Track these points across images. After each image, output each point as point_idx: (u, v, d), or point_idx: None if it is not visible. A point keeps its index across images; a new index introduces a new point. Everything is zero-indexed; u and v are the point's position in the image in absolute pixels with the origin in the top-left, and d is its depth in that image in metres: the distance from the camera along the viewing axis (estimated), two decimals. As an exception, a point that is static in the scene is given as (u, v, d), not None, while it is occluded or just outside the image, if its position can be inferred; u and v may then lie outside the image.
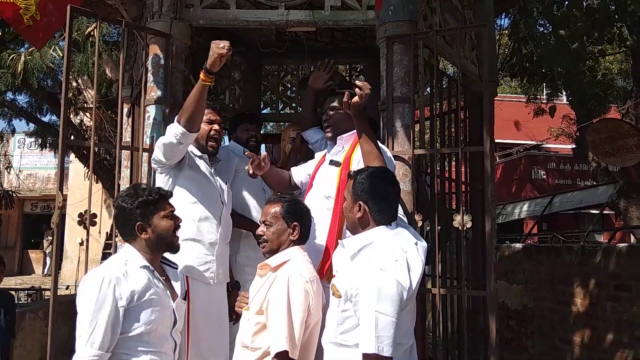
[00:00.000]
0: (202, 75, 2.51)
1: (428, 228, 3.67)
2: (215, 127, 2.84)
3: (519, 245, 7.01)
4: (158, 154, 2.62)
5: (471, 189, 3.96)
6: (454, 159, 3.70)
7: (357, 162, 2.51)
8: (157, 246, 2.12)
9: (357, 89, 2.33)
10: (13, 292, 6.77)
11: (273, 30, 4.20)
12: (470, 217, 2.85)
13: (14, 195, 10.16)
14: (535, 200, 11.35)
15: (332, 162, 2.65)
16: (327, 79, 3.30)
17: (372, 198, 2.02)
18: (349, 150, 2.60)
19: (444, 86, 3.97)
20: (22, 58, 5.90)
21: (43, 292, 9.14)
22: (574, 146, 9.26)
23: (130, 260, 2.05)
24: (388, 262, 1.87)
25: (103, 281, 1.94)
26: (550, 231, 10.39)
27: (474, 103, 3.98)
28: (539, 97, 9.34)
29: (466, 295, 3.54)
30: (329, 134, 2.72)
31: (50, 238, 16.27)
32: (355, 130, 2.59)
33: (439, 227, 3.25)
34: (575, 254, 5.66)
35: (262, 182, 3.33)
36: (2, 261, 4.06)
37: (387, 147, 2.84)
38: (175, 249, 2.18)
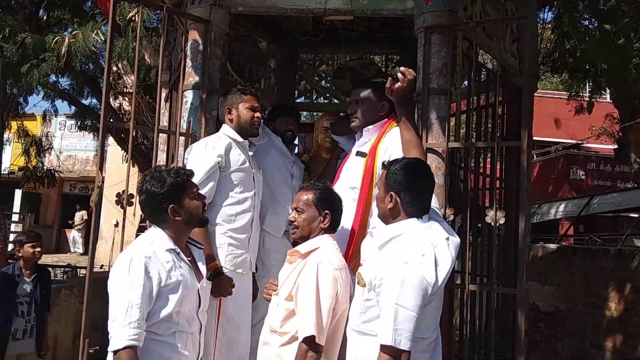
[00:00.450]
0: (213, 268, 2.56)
1: (461, 223, 3.63)
2: (258, 114, 2.91)
3: (553, 246, 6.86)
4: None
5: (506, 185, 3.90)
6: (489, 154, 3.64)
7: (384, 152, 2.51)
8: (189, 224, 2.17)
9: (399, 74, 2.30)
10: (50, 269, 7.04)
11: (310, 18, 4.20)
12: (504, 213, 2.81)
13: (56, 175, 10.48)
14: (573, 201, 11.05)
15: (358, 154, 2.66)
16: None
17: (404, 189, 2.00)
18: (375, 141, 2.60)
19: (482, 79, 3.90)
20: (66, 41, 6.06)
21: (78, 270, 9.46)
22: (615, 146, 8.97)
23: (156, 242, 2.07)
24: (415, 255, 1.86)
25: (132, 261, 1.96)
26: (587, 233, 10.11)
27: (513, 97, 3.91)
28: (581, 94, 9.05)
29: (496, 293, 3.51)
30: (354, 124, 2.73)
31: (81, 214, 16.72)
32: (382, 121, 2.59)
33: (471, 223, 3.22)
34: (612, 258, 5.51)
35: (292, 167, 3.37)
36: (39, 238, 4.23)
37: (422, 139, 2.82)
38: (204, 222, 2.26)
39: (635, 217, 9.41)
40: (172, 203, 2.11)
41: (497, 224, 2.84)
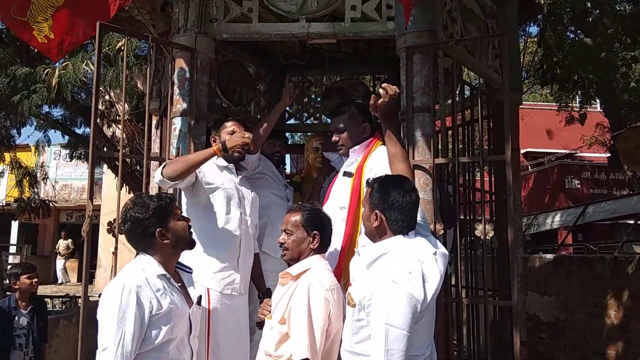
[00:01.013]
0: (216, 147, 2.70)
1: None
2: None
3: (550, 256, 6.87)
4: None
5: (498, 198, 3.94)
6: (485, 168, 3.70)
7: (369, 171, 2.55)
8: (177, 247, 2.18)
9: (381, 91, 2.34)
10: (48, 300, 7.00)
11: (296, 42, 4.28)
12: (492, 226, 2.84)
13: (51, 204, 10.48)
14: (568, 210, 11.09)
15: (345, 174, 2.70)
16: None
17: (388, 207, 2.01)
18: (361, 161, 2.65)
19: (467, 95, 3.97)
20: (57, 72, 6.14)
21: (77, 299, 9.40)
22: (609, 155, 9.05)
23: (147, 269, 2.08)
24: (402, 273, 1.87)
25: (124, 290, 1.95)
26: (585, 242, 10.13)
27: (498, 112, 3.96)
28: (570, 105, 9.16)
29: (492, 306, 3.52)
30: (341, 151, 2.80)
31: (66, 243, 16.48)
32: (367, 141, 2.64)
33: (462, 236, 3.26)
34: (608, 265, 5.52)
35: (286, 190, 3.42)
36: (34, 269, 4.23)
37: (408, 156, 2.86)
38: (193, 244, 2.26)
39: (631, 224, 9.43)
40: (159, 227, 2.12)
41: (487, 237, 2.86)
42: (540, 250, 9.04)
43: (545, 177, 14.89)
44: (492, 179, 3.95)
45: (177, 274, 2.23)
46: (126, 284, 1.97)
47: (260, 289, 3.00)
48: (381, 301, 1.84)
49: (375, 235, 2.06)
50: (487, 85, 3.97)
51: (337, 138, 2.77)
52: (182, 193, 2.88)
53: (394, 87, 2.35)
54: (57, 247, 16.49)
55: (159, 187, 2.95)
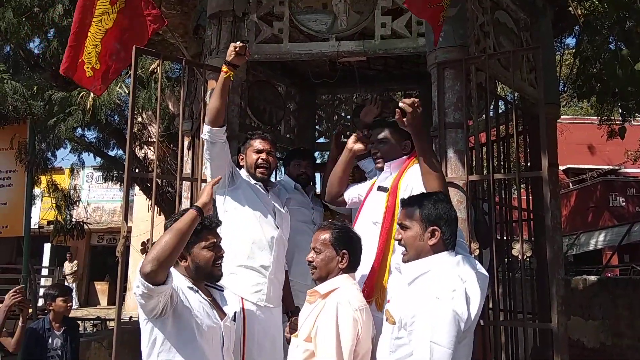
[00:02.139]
0: (223, 67, 2.76)
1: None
2: (263, 155, 2.98)
3: (593, 278, 6.68)
4: (206, 167, 2.86)
5: (536, 217, 3.89)
6: (522, 186, 3.67)
7: (405, 188, 2.56)
8: (196, 275, 2.22)
9: (401, 104, 2.36)
10: (79, 322, 7.16)
11: (326, 61, 4.37)
12: (530, 245, 2.81)
13: (85, 226, 10.78)
14: (613, 230, 10.77)
15: (380, 188, 2.71)
16: (378, 114, 3.40)
17: (445, 223, 2.05)
18: (397, 176, 2.66)
19: (502, 110, 3.96)
20: (91, 95, 6.39)
21: (107, 322, 9.60)
22: (655, 170, 8.78)
23: (175, 280, 2.14)
24: (446, 291, 1.89)
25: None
26: (632, 263, 9.80)
27: (535, 126, 3.94)
28: (612, 118, 8.93)
29: (532, 330, 3.45)
30: (379, 165, 2.80)
31: (71, 265, 16.59)
32: (404, 158, 2.66)
33: (499, 257, 3.22)
34: (657, 287, 5.34)
35: (312, 214, 3.45)
36: (71, 292, 4.36)
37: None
38: (215, 278, 2.26)
39: (682, 244, 9.10)
40: None
41: (525, 257, 2.83)
42: (584, 272, 8.79)
43: (587, 195, 14.51)
44: (530, 197, 3.91)
45: (206, 292, 2.29)
46: None
47: (289, 307, 3.04)
48: (425, 318, 1.86)
49: (421, 253, 2.05)
50: (522, 100, 3.96)
51: (377, 151, 2.79)
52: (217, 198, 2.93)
53: (414, 99, 2.38)
54: (63, 270, 16.42)
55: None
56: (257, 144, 2.99)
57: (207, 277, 2.25)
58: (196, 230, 2.17)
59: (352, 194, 2.97)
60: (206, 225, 2.24)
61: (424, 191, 2.40)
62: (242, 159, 3.05)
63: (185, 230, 2.07)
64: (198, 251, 2.21)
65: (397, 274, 2.17)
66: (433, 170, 2.37)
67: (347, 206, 3.01)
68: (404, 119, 2.37)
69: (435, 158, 2.46)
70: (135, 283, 2.01)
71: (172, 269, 2.17)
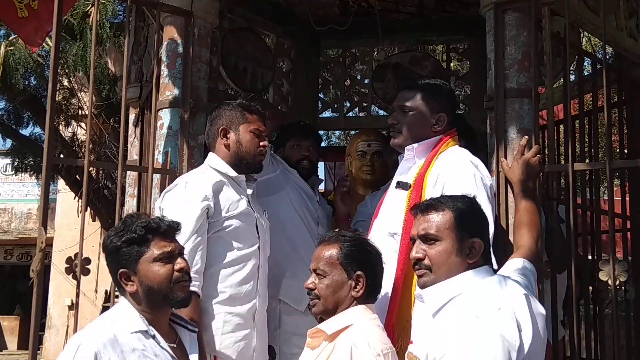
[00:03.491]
0: None
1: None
2: (265, 142, 3.03)
3: None
4: None
5: (635, 225, 3.90)
6: (615, 181, 3.68)
7: (434, 183, 2.58)
8: (150, 302, 2.21)
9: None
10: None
11: (335, 0, 4.37)
12: (625, 266, 2.82)
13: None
14: None
15: (399, 185, 2.74)
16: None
17: (485, 232, 2.17)
18: (423, 167, 2.68)
19: (588, 73, 3.97)
20: (2, 50, 6.37)
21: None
22: None
23: (122, 321, 2.16)
24: (488, 308, 1.94)
25: (78, 351, 2.03)
26: None
27: (635, 96, 3.95)
28: None
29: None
30: (396, 140, 2.81)
31: None
32: (435, 139, 2.71)
33: (581, 283, 3.23)
34: None
35: (317, 212, 3.48)
36: None
37: (498, 163, 2.89)
38: (176, 303, 2.26)
39: None
40: (122, 267, 2.19)
41: (617, 283, 2.84)
42: None
43: None
44: (627, 197, 3.91)
45: (172, 331, 2.30)
46: (82, 343, 2.06)
47: None
48: (461, 345, 1.89)
49: (451, 273, 2.11)
50: (617, 58, 3.95)
51: (395, 121, 2.81)
52: None
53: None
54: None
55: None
56: (258, 122, 3.02)
57: (166, 302, 2.25)
58: (139, 237, 2.18)
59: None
60: (153, 229, 2.22)
61: (460, 186, 2.47)
62: (224, 136, 2.99)
63: None
64: (146, 266, 2.19)
65: (418, 304, 2.20)
66: (534, 224, 2.59)
67: None
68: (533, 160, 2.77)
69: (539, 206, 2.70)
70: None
71: (125, 306, 2.20)
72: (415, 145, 2.75)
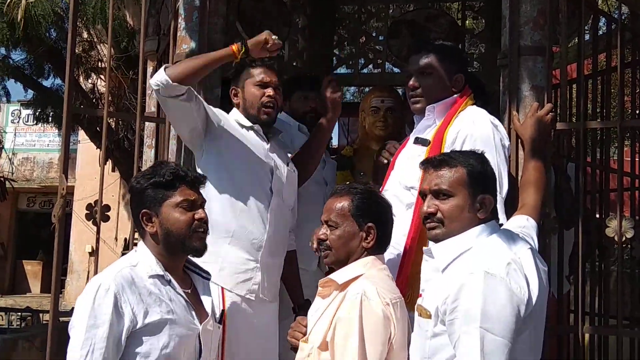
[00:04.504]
0: (235, 47, 2.79)
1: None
2: (270, 91, 2.99)
3: None
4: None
5: (643, 183, 3.90)
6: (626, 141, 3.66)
7: (453, 140, 2.58)
8: (167, 246, 2.24)
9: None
10: (2, 314, 7.37)
11: (351, -46, 4.31)
12: (632, 222, 2.81)
13: (7, 184, 10.92)
14: None
15: (417, 141, 2.72)
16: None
17: (493, 188, 2.19)
18: (442, 124, 2.67)
19: (603, 32, 3.91)
20: (23, 2, 6.30)
21: (41, 315, 9.86)
22: None
23: (140, 264, 2.19)
24: (498, 263, 1.96)
25: (99, 289, 2.06)
26: None
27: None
28: None
29: (628, 340, 3.49)
30: (418, 105, 2.79)
31: None
32: (453, 98, 2.70)
33: (588, 239, 3.23)
34: None
35: (324, 168, 3.46)
36: None
37: (510, 120, 2.87)
38: (191, 250, 2.29)
39: None
40: (144, 207, 2.22)
41: (623, 240, 2.84)
42: None
43: None
44: (636, 157, 3.89)
45: (187, 277, 2.33)
46: (103, 282, 2.09)
47: (295, 300, 3.08)
48: (471, 298, 1.90)
49: (463, 228, 2.12)
50: (633, 18, 3.88)
51: (416, 84, 2.78)
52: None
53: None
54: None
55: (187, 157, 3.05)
56: (261, 74, 3.00)
57: (182, 249, 2.28)
58: (166, 183, 2.22)
59: None
60: (180, 176, 2.26)
61: (480, 145, 2.49)
62: (235, 95, 3.04)
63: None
64: (168, 210, 2.22)
65: (429, 259, 2.21)
66: (540, 182, 2.58)
67: None
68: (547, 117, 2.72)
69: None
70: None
71: (143, 250, 2.24)
72: (435, 105, 2.73)
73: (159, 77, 2.71)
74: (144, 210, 2.22)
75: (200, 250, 2.30)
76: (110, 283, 2.08)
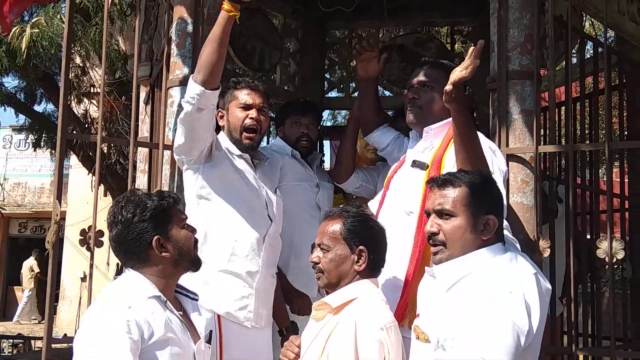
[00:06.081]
0: (225, 4, 2.65)
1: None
2: (253, 113, 2.98)
3: None
4: (179, 136, 2.82)
5: (633, 205, 3.91)
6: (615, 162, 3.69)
7: (453, 165, 2.56)
8: (178, 265, 2.28)
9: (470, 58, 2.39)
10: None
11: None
12: (622, 244, 2.83)
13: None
14: None
15: (415, 164, 2.72)
16: (386, 60, 3.37)
17: (499, 209, 2.18)
18: (441, 148, 2.66)
19: (590, 56, 3.96)
20: (28, 32, 6.26)
21: (33, 341, 9.77)
22: None
23: (136, 290, 2.18)
24: (500, 293, 1.95)
25: (110, 312, 2.09)
26: None
27: (636, 79, 3.94)
28: None
29: (618, 359, 3.49)
30: (412, 118, 2.80)
31: (30, 265, 16.84)
32: (449, 119, 2.67)
33: (579, 261, 3.24)
34: None
35: (317, 194, 3.47)
36: None
37: (499, 143, 2.89)
38: (198, 263, 2.35)
39: None
40: (156, 233, 2.21)
41: (614, 261, 2.85)
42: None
43: None
44: (626, 178, 3.91)
45: (176, 301, 2.33)
46: (114, 304, 2.11)
47: (281, 322, 3.09)
48: (472, 328, 1.91)
49: (465, 249, 2.12)
50: (619, 41, 3.93)
51: (417, 96, 2.79)
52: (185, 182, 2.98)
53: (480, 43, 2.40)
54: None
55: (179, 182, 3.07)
56: (245, 96, 2.99)
57: (191, 264, 2.33)
58: (166, 208, 2.24)
59: (361, 179, 3.30)
60: (175, 199, 2.32)
61: None
62: (221, 118, 3.04)
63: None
64: (177, 232, 2.26)
65: (429, 279, 2.21)
66: (474, 158, 2.45)
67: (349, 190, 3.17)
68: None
69: (478, 141, 2.52)
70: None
71: (136, 276, 2.23)
72: (433, 126, 2.74)
73: (193, 91, 2.68)
74: (156, 238, 2.21)
75: (200, 263, 2.36)
76: (120, 305, 2.10)
